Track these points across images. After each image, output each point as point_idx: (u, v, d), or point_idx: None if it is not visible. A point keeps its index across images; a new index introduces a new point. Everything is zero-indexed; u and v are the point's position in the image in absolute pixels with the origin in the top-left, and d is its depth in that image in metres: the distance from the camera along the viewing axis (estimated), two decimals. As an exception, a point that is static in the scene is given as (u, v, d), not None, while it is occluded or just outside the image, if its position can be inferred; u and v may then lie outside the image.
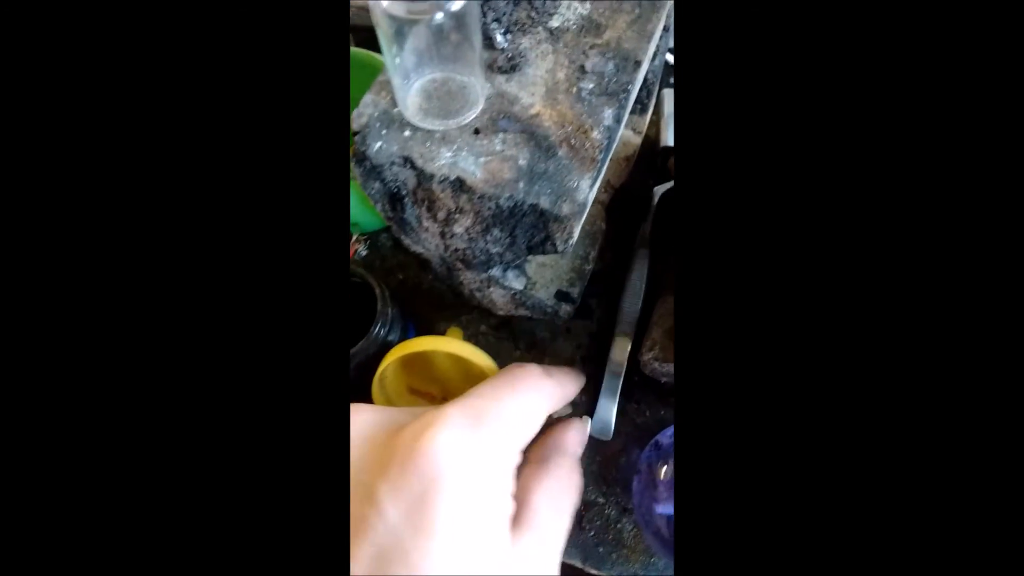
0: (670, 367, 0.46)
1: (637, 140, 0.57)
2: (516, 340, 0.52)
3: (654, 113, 0.59)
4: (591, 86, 0.33)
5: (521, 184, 0.30)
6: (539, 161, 0.31)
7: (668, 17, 0.38)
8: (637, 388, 0.50)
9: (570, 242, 0.31)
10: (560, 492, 0.23)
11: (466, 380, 0.49)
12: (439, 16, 0.27)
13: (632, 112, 0.55)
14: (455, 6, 0.27)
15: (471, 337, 0.52)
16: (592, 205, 0.55)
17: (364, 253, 0.53)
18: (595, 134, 0.31)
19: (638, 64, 0.34)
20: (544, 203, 0.30)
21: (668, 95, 0.59)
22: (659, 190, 0.54)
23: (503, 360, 0.52)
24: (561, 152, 0.31)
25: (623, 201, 0.55)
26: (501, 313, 0.52)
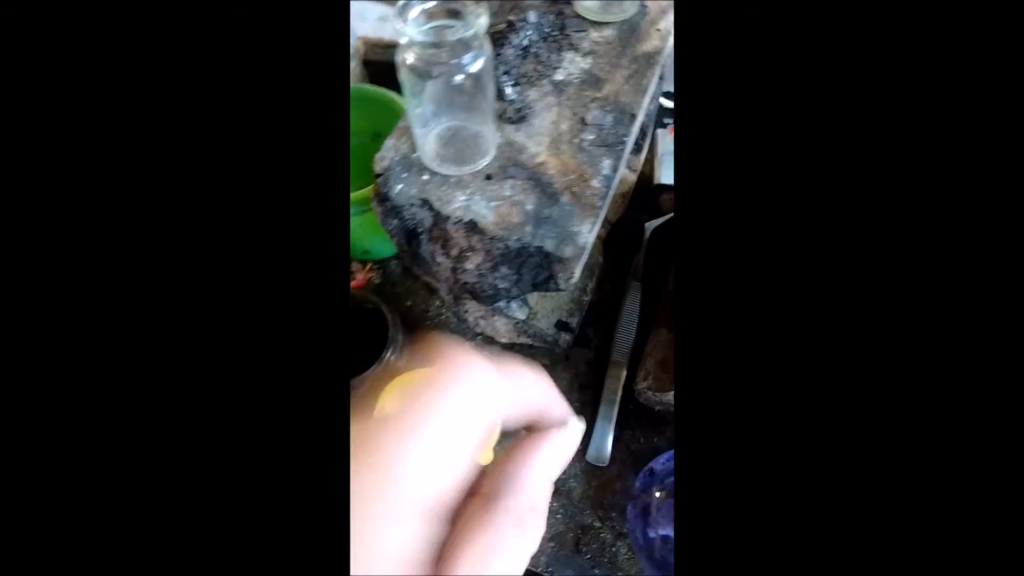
0: (664, 396, 0.48)
1: (633, 177, 0.60)
2: (517, 367, 0.55)
3: (649, 152, 0.62)
4: (591, 137, 0.36)
5: (528, 228, 0.33)
6: (544, 206, 0.33)
7: (661, 67, 0.42)
8: (632, 416, 0.52)
9: (572, 281, 0.34)
10: (492, 553, 0.15)
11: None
12: (459, 77, 0.30)
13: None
14: (475, 67, 0.30)
15: (474, 363, 0.55)
16: (590, 239, 0.58)
17: (377, 280, 0.56)
18: (595, 183, 0.34)
19: (633, 117, 0.37)
20: (549, 246, 0.32)
21: (661, 135, 0.62)
22: (650, 225, 0.58)
23: (504, 386, 0.54)
24: (564, 199, 0.34)
25: (619, 235, 0.58)
26: (503, 341, 0.54)
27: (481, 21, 0.29)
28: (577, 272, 0.33)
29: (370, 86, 0.52)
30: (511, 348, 0.55)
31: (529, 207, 0.33)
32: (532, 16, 0.39)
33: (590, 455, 0.50)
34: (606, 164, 0.35)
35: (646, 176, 0.62)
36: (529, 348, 0.55)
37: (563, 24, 0.40)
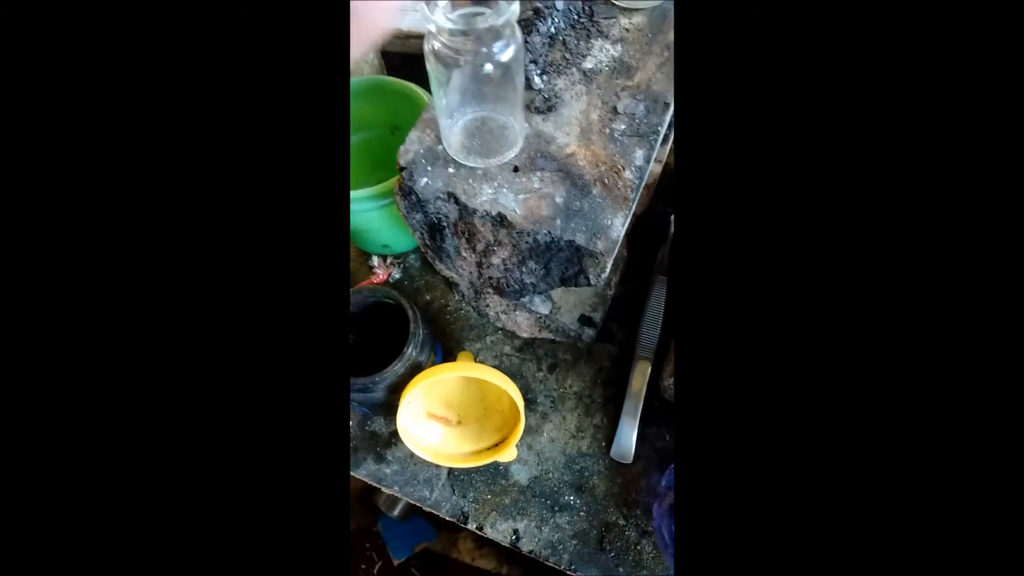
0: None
1: (658, 169, 0.59)
2: (539, 362, 0.54)
3: (674, 142, 0.61)
4: (623, 127, 0.35)
5: (558, 221, 0.32)
6: (575, 199, 0.32)
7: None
8: (657, 413, 0.51)
9: (603, 276, 0.33)
10: None
11: (481, 403, 0.50)
12: (488, 67, 0.29)
13: (654, 143, 0.57)
14: (505, 56, 0.29)
15: (495, 358, 0.54)
16: (614, 232, 0.56)
17: (398, 276, 0.55)
18: (627, 174, 0.33)
19: (667, 106, 0.35)
20: (580, 239, 0.31)
21: (688, 126, 0.61)
22: (676, 220, 0.56)
23: (526, 380, 0.53)
24: (595, 191, 0.33)
25: (644, 228, 0.57)
26: (525, 335, 0.54)
27: (513, 7, 0.27)
28: (608, 266, 0.32)
29: (388, 77, 0.52)
30: (533, 343, 0.54)
31: (559, 199, 0.32)
32: (560, 3, 0.38)
33: (614, 452, 0.49)
34: (639, 154, 0.34)
35: (671, 167, 0.61)
36: (551, 343, 0.54)
37: (591, 11, 0.39)
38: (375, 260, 0.55)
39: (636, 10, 0.39)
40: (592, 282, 0.33)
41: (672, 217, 0.57)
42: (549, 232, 0.31)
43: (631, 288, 0.55)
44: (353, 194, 0.45)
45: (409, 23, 0.65)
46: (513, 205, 0.32)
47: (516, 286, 0.35)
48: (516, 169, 0.33)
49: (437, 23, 0.27)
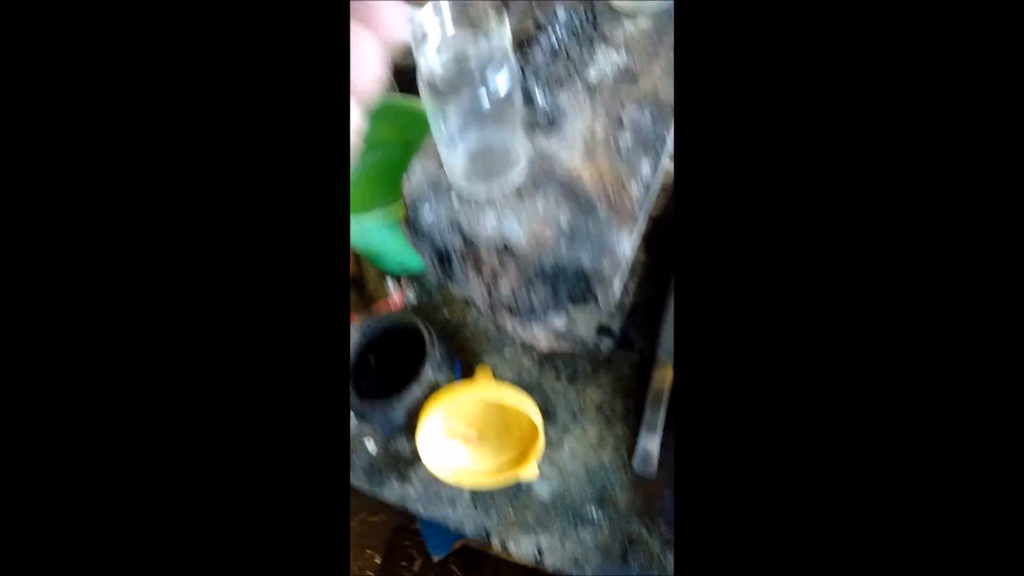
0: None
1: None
2: (557, 373, 0.53)
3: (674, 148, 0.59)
4: (629, 139, 0.33)
5: (563, 244, 0.31)
6: (579, 219, 0.31)
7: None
8: (681, 420, 0.50)
9: (611, 296, 0.32)
10: None
11: (501, 418, 0.50)
12: (483, 94, 0.28)
13: (668, 143, 0.55)
14: (500, 81, 0.28)
15: (514, 371, 0.54)
16: (630, 237, 0.55)
17: (414, 300, 0.55)
18: (633, 188, 0.32)
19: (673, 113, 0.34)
20: (585, 262, 0.30)
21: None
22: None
23: (545, 392, 0.53)
24: (601, 209, 0.32)
25: (662, 231, 0.55)
26: (544, 347, 0.53)
27: (504, 32, 0.27)
28: (617, 286, 0.32)
29: (397, 97, 0.51)
30: (552, 355, 0.54)
31: (563, 222, 0.31)
32: (561, 13, 0.37)
33: (636, 463, 0.48)
34: (645, 166, 0.33)
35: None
36: (570, 355, 0.53)
37: (594, 17, 0.38)
38: (390, 285, 0.55)
39: (641, 14, 0.38)
40: (601, 303, 0.32)
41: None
42: (554, 256, 0.31)
43: (650, 293, 0.54)
44: (366, 217, 0.45)
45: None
46: (517, 231, 0.31)
47: (526, 307, 0.35)
48: (520, 193, 0.33)
49: (429, 68, 0.27)
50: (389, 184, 0.57)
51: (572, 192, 0.32)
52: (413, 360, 0.47)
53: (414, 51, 0.28)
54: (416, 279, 0.57)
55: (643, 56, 0.36)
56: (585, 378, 0.53)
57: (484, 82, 0.28)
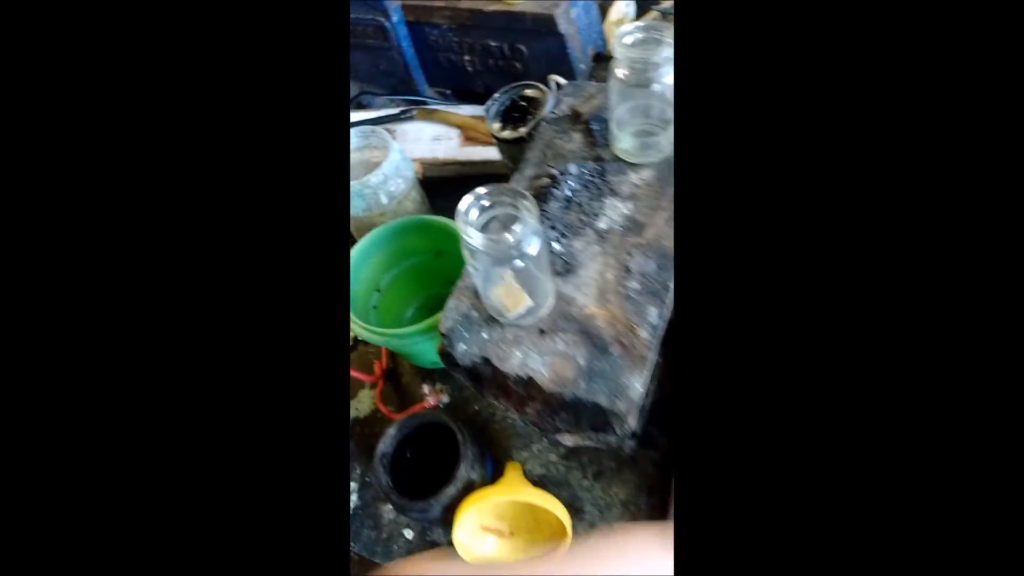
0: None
1: (686, 272, 0.61)
2: (584, 470, 0.56)
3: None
4: (637, 285, 0.38)
5: (581, 382, 0.35)
6: (595, 360, 0.36)
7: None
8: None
9: (627, 428, 0.36)
10: None
11: (532, 514, 0.53)
12: (517, 261, 0.34)
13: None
14: (531, 250, 0.34)
15: (542, 467, 0.57)
16: (647, 338, 0.59)
17: (447, 400, 0.60)
18: (643, 333, 0.37)
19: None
20: (602, 400, 0.35)
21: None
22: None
23: (572, 489, 0.56)
24: (614, 351, 0.36)
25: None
26: (569, 444, 0.57)
27: (533, 214, 0.32)
28: (633, 422, 0.36)
29: (431, 217, 0.58)
30: (578, 450, 0.57)
31: (581, 361, 0.36)
32: (573, 168, 0.43)
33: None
34: (652, 313, 0.37)
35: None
36: (596, 450, 0.57)
37: (603, 169, 0.43)
38: (426, 388, 0.60)
39: (645, 165, 0.44)
40: (619, 433, 0.36)
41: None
42: (574, 393, 0.35)
43: (668, 392, 0.57)
44: (402, 331, 0.51)
45: (444, 151, 0.72)
46: (540, 367, 0.36)
47: (552, 429, 0.39)
48: (542, 332, 0.38)
49: (474, 243, 0.32)
50: (421, 285, 0.63)
51: (588, 333, 0.37)
52: (448, 455, 0.51)
53: (458, 227, 0.33)
54: (449, 376, 0.62)
55: (647, 207, 0.41)
56: (611, 475, 0.56)
57: (518, 253, 0.33)
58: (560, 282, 0.39)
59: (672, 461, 0.54)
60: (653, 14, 0.73)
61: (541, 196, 0.43)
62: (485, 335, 0.38)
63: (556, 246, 0.40)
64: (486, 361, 0.37)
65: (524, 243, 0.33)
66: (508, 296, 0.37)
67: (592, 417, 0.36)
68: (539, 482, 0.56)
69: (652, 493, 0.54)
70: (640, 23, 0.38)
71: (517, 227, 0.32)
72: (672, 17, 0.71)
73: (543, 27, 0.64)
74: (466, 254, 0.35)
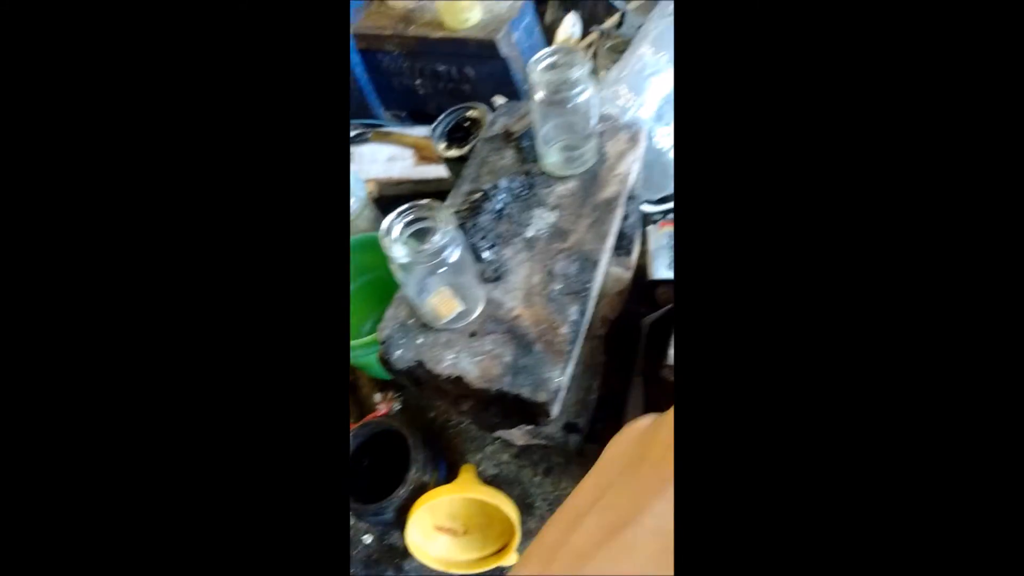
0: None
1: (628, 275, 0.65)
2: (535, 467, 0.59)
3: (643, 247, 0.67)
4: (559, 287, 0.41)
5: (507, 378, 0.38)
6: (521, 357, 0.39)
7: (623, 208, 0.47)
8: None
9: (551, 417, 0.39)
10: None
11: (483, 513, 0.56)
12: (441, 269, 0.37)
13: (619, 254, 0.63)
14: (452, 258, 0.37)
15: (495, 467, 0.60)
16: (592, 339, 0.62)
17: (398, 407, 0.63)
18: (563, 329, 0.40)
19: (596, 264, 0.42)
20: (525, 393, 0.38)
21: (652, 231, 0.67)
22: (647, 320, 0.62)
23: (524, 486, 0.59)
24: (537, 348, 0.39)
25: (619, 332, 0.63)
26: (520, 443, 0.59)
27: (450, 225, 0.35)
28: (554, 411, 0.39)
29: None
30: (529, 449, 0.60)
31: (507, 359, 0.39)
32: (503, 182, 0.46)
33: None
34: (573, 310, 0.40)
35: (643, 270, 0.67)
36: (545, 447, 0.59)
37: (532, 183, 0.47)
38: (377, 397, 0.62)
39: (570, 177, 0.47)
40: (544, 423, 0.39)
41: (643, 321, 0.62)
42: (500, 388, 0.38)
43: (614, 389, 0.61)
44: (354, 344, 0.53)
45: (398, 171, 0.75)
46: (470, 367, 0.39)
47: (487, 425, 0.42)
48: (472, 334, 0.40)
49: (396, 257, 0.35)
50: (377, 301, 0.66)
51: (515, 333, 0.40)
52: (402, 461, 0.54)
53: (382, 245, 0.36)
54: (400, 395, 0.64)
55: (571, 215, 0.45)
56: (560, 471, 0.58)
57: (441, 262, 0.36)
58: (491, 288, 0.42)
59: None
60: (594, 35, 0.78)
61: (475, 210, 0.46)
62: (420, 340, 0.41)
63: (487, 255, 0.44)
64: (420, 364, 0.40)
65: (444, 252, 0.36)
66: (440, 303, 0.40)
67: (519, 409, 0.39)
68: (492, 481, 0.59)
69: (598, 487, 0.57)
70: (551, 48, 0.42)
71: (436, 238, 0.35)
72: (608, 36, 0.76)
73: (486, 51, 0.68)
74: (394, 268, 0.38)
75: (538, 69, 0.41)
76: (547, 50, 0.41)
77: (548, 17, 0.89)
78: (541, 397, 0.38)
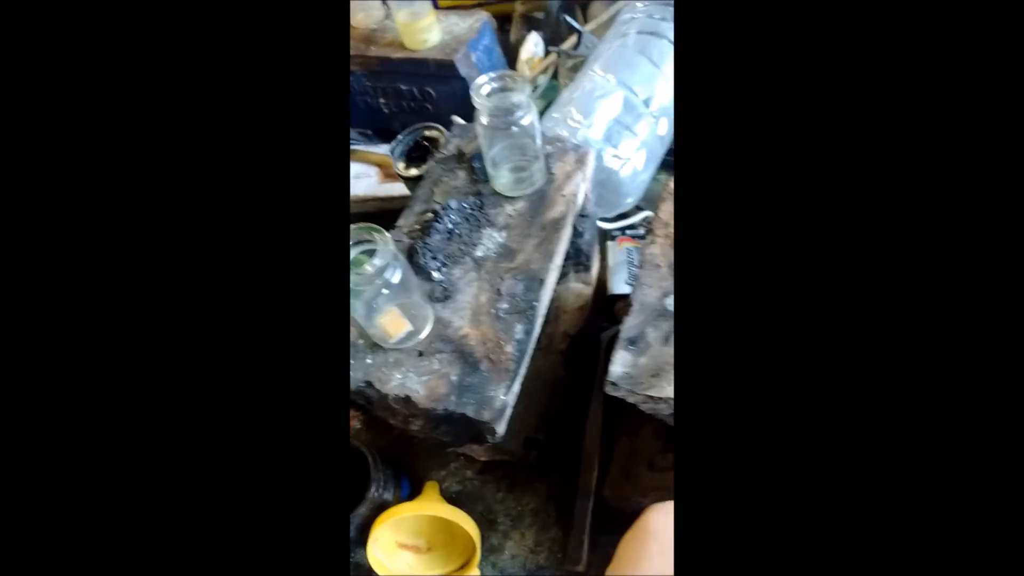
0: (629, 503, 0.52)
1: (588, 291, 0.66)
2: (498, 483, 0.59)
3: (604, 263, 0.69)
4: (506, 306, 0.42)
5: (453, 397, 0.39)
6: (467, 375, 0.40)
7: (570, 227, 0.48)
8: (608, 520, 0.55)
9: (498, 435, 0.39)
10: None
11: (447, 530, 0.56)
12: (384, 291, 0.37)
13: (579, 271, 0.65)
14: (395, 279, 0.37)
15: (459, 483, 0.60)
16: (552, 355, 0.63)
17: (359, 427, 0.63)
18: (509, 348, 0.40)
19: (542, 282, 0.43)
20: (470, 412, 0.38)
21: (612, 247, 0.68)
22: (607, 335, 0.63)
23: (487, 502, 0.59)
24: (483, 366, 0.40)
25: (579, 347, 0.63)
26: (483, 459, 0.60)
27: (389, 247, 0.36)
28: (500, 428, 0.39)
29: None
30: (491, 464, 0.60)
31: (454, 378, 0.40)
32: (454, 203, 0.47)
33: (568, 562, 0.54)
34: (519, 329, 0.41)
35: (604, 285, 0.68)
36: (508, 463, 0.60)
37: (482, 203, 0.48)
38: None
39: (519, 197, 0.48)
40: (491, 440, 0.40)
41: (601, 336, 0.63)
42: (446, 407, 0.39)
43: (575, 403, 0.61)
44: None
45: (363, 188, 0.76)
46: (417, 387, 0.40)
47: (437, 442, 0.42)
48: (420, 354, 0.41)
49: None
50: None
51: (461, 352, 0.41)
52: (362, 480, 0.54)
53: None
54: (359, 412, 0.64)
55: (519, 235, 0.46)
56: (522, 487, 0.59)
57: (384, 282, 0.37)
58: (439, 307, 0.43)
59: (575, 469, 0.57)
60: (552, 56, 0.80)
61: (425, 230, 0.47)
62: (369, 360, 0.42)
63: (437, 275, 0.44)
64: (369, 384, 0.41)
65: (385, 273, 0.37)
66: (389, 323, 0.41)
67: (466, 428, 0.40)
68: (456, 498, 0.59)
69: (560, 500, 0.57)
70: (493, 74, 0.43)
71: (376, 260, 0.36)
72: (569, 56, 0.78)
73: (445, 71, 0.69)
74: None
75: (481, 94, 0.42)
76: (489, 75, 0.43)
77: (512, 37, 0.90)
78: (485, 415, 0.38)
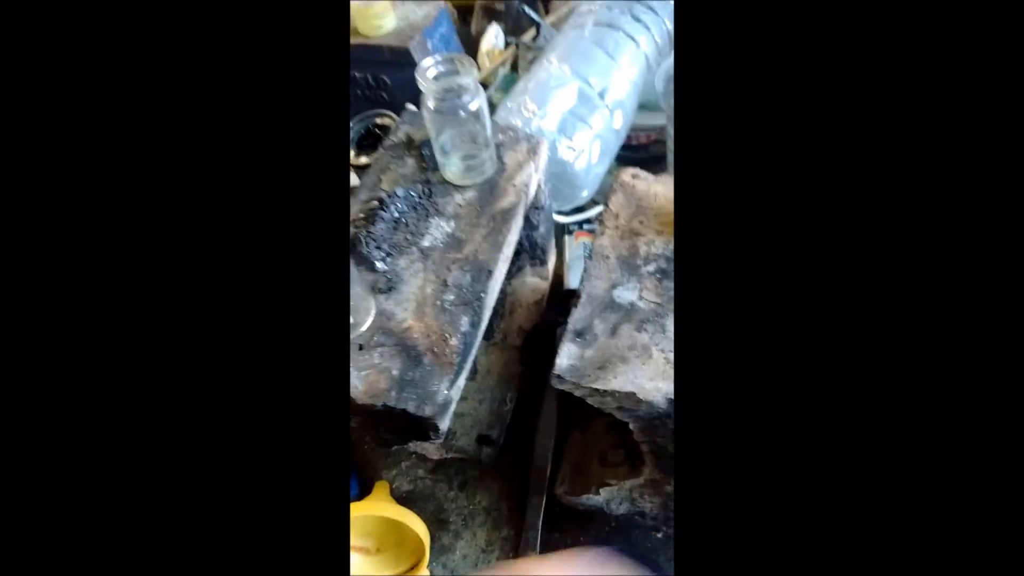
0: (581, 498, 0.51)
1: (544, 285, 0.65)
2: (450, 481, 0.58)
3: (561, 257, 0.68)
4: (452, 297, 0.41)
5: (393, 393, 0.37)
6: (409, 370, 0.38)
7: (521, 218, 0.47)
8: (559, 518, 0.54)
9: (440, 433, 0.38)
10: None
11: (397, 531, 0.54)
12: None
13: (534, 264, 0.63)
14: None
15: (410, 483, 0.58)
16: (508, 350, 0.62)
17: None
18: (453, 341, 0.39)
19: (490, 273, 0.42)
20: (410, 407, 0.37)
21: (569, 242, 0.68)
22: (561, 331, 0.62)
23: (439, 501, 0.57)
24: (426, 360, 0.38)
25: (535, 341, 0.62)
26: (435, 458, 0.58)
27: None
28: (443, 425, 0.38)
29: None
30: (444, 463, 0.59)
31: (395, 372, 0.38)
32: (400, 191, 0.46)
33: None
34: (464, 321, 0.40)
35: (560, 279, 0.67)
36: (461, 460, 0.58)
37: (430, 191, 0.46)
38: None
39: (469, 187, 0.47)
40: (433, 438, 0.38)
41: (559, 330, 0.62)
42: (385, 403, 0.37)
43: (529, 399, 0.60)
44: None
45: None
46: (356, 382, 0.38)
47: (380, 440, 0.41)
48: (361, 347, 0.39)
49: None
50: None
51: (404, 345, 0.39)
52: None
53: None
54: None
55: (468, 225, 0.44)
56: (474, 484, 0.57)
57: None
58: (382, 299, 0.41)
59: (528, 466, 0.56)
60: (512, 48, 0.78)
61: (370, 219, 0.45)
62: (307, 353, 0.39)
63: (380, 265, 0.43)
64: (306, 378, 0.39)
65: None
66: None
67: (407, 425, 0.38)
68: (407, 497, 0.57)
69: (512, 497, 0.56)
70: (438, 56, 0.41)
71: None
72: (529, 48, 0.77)
73: (400, 58, 0.67)
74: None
75: (427, 76, 0.41)
76: (434, 58, 0.41)
77: (474, 28, 0.89)
78: (427, 411, 0.37)
